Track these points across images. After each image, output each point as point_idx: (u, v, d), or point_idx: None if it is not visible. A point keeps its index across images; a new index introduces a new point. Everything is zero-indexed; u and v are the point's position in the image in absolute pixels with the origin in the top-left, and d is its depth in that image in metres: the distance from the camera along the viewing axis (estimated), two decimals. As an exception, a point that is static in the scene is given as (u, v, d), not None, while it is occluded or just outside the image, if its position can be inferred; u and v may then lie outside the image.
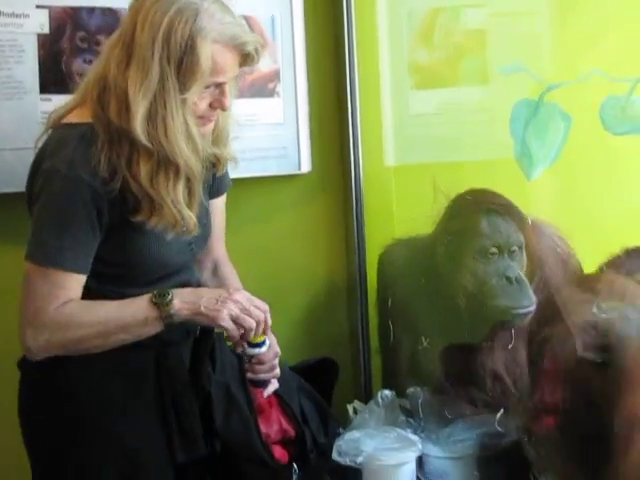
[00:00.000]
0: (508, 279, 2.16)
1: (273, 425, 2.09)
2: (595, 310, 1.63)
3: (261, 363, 2.00)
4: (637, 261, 2.02)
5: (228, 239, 2.23)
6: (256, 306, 1.87)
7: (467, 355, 2.21)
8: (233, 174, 2.17)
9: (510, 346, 2.19)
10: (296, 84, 2.55)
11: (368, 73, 2.60)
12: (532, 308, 2.14)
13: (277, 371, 2.04)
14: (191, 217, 1.86)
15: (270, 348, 1.99)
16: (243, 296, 1.88)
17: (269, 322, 1.90)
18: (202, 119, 1.87)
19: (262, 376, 2.02)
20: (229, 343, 1.99)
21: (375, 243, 2.54)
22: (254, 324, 1.86)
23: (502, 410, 2.05)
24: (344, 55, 2.54)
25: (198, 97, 1.82)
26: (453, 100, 2.61)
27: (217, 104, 1.87)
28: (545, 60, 2.62)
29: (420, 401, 2.21)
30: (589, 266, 2.34)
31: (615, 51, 2.53)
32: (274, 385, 2.06)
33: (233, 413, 2.00)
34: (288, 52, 2.54)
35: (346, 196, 2.63)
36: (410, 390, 2.26)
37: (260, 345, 1.94)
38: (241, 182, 2.37)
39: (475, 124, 2.62)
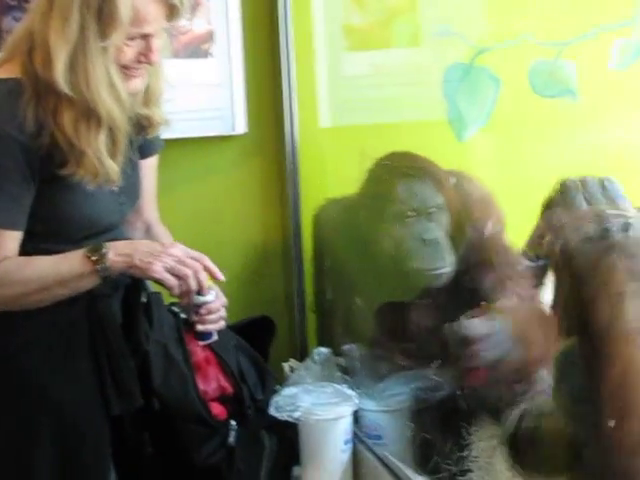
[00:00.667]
0: (424, 241, 2.19)
1: (211, 382, 2.11)
2: None
3: (210, 313, 2.01)
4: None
5: (163, 200, 2.23)
6: (192, 257, 1.89)
7: (401, 312, 2.25)
8: (168, 135, 2.16)
9: (439, 301, 2.24)
10: (230, 45, 2.54)
11: (303, 34, 2.59)
12: (447, 269, 2.18)
13: (223, 322, 2.06)
14: (112, 167, 1.86)
15: (217, 297, 2.01)
16: (179, 249, 1.90)
17: (212, 268, 1.93)
18: (127, 70, 1.86)
19: (211, 327, 2.04)
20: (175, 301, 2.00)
21: (310, 204, 2.55)
22: (190, 272, 1.87)
23: (437, 362, 2.09)
24: (278, 16, 2.54)
25: (122, 46, 1.81)
26: (386, 62, 2.64)
27: (144, 58, 1.86)
28: (476, 24, 2.65)
29: (356, 357, 2.25)
30: (518, 222, 2.40)
31: (543, 16, 2.57)
32: (215, 337, 2.08)
33: (171, 371, 2.01)
34: (222, 13, 2.52)
35: (281, 157, 2.64)
36: (346, 347, 2.30)
37: (206, 292, 1.96)
38: (176, 143, 2.37)
39: (408, 86, 2.65)
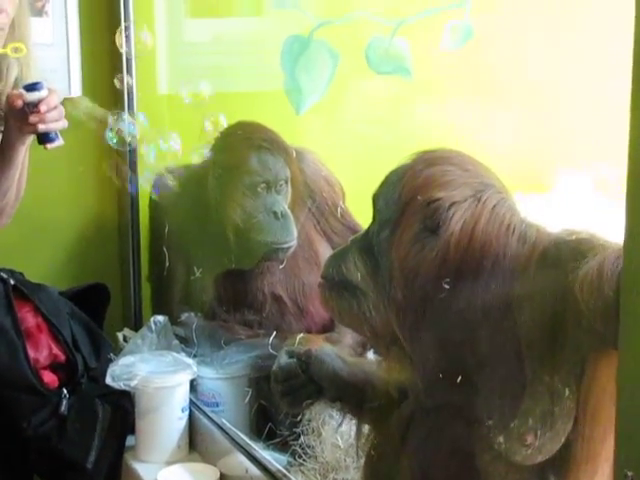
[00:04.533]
0: (275, 214, 2.22)
1: (42, 350, 2.06)
2: None
3: (49, 110, 1.88)
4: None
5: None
6: None
7: (242, 280, 2.27)
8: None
9: (282, 266, 2.27)
10: (66, 3, 2.45)
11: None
12: (293, 242, 2.23)
13: (65, 122, 1.95)
14: None
15: (51, 91, 1.90)
16: None
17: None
18: None
19: (53, 126, 1.91)
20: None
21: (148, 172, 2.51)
22: None
23: (275, 333, 2.13)
24: (118, -22, 2.48)
25: None
26: (228, 30, 2.63)
27: None
28: (317, -2, 2.68)
29: (194, 326, 2.24)
30: (353, 194, 2.47)
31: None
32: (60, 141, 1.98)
33: (-1, 338, 1.96)
34: (58, -31, 2.44)
35: (117, 123, 2.58)
36: (184, 316, 2.29)
37: (36, 87, 1.86)
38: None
39: (249, 55, 2.64)
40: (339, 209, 2.41)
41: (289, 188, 2.28)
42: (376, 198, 1.50)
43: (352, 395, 1.68)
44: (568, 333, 1.31)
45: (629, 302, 0.97)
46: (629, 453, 0.98)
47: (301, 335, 1.93)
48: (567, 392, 1.33)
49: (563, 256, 1.35)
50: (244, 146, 2.28)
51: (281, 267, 2.26)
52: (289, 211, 2.24)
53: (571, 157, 2.97)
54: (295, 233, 2.23)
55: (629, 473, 0.97)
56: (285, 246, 2.22)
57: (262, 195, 2.23)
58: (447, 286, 1.39)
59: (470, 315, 1.38)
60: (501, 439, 1.37)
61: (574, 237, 1.38)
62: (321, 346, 1.73)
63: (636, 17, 0.94)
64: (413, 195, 1.43)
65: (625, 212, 0.97)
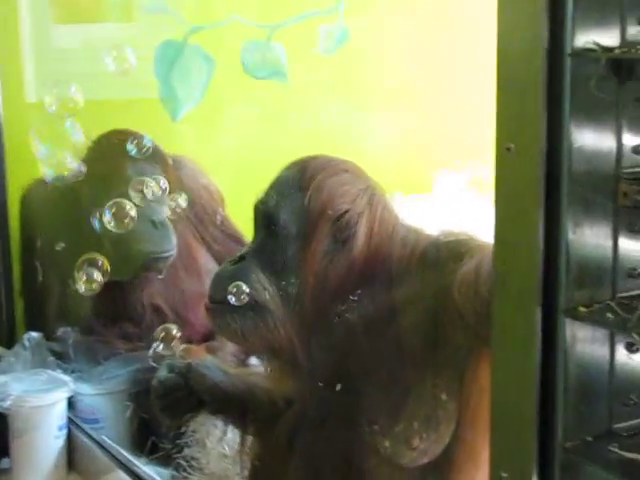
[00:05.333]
0: (153, 223, 2.18)
1: None
2: None
3: None
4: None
5: None
6: None
7: (120, 291, 2.21)
8: None
9: (161, 277, 2.23)
10: None
11: (6, 3, 2.46)
12: (173, 252, 2.19)
13: None
14: None
15: None
16: None
17: None
18: None
19: None
20: None
21: (18, 182, 2.42)
22: None
23: (155, 345, 2.07)
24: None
25: None
26: (97, 36, 2.56)
27: None
28: (189, 2, 2.65)
29: (70, 342, 2.17)
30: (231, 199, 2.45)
31: (254, -1, 2.63)
32: None
33: None
34: None
35: (-15, 133, 2.48)
36: (60, 331, 2.21)
37: None
38: None
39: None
40: (218, 216, 2.38)
41: (166, 197, 2.23)
42: (270, 210, 1.48)
43: (234, 407, 1.67)
44: (448, 335, 1.32)
45: (499, 299, 0.98)
46: (503, 454, 0.99)
47: (182, 347, 1.88)
48: (448, 394, 1.34)
49: (442, 258, 1.36)
50: (119, 155, 2.22)
51: (160, 277, 2.22)
52: (167, 220, 2.20)
53: (448, 157, 3.02)
54: (174, 242, 2.19)
55: (503, 474, 0.97)
56: (164, 255, 2.18)
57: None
58: (354, 297, 1.39)
59: (365, 323, 1.39)
60: (387, 443, 1.37)
61: (452, 238, 1.40)
62: (202, 358, 1.70)
63: (498, 16, 0.96)
64: (322, 209, 1.42)
65: (494, 215, 0.98)
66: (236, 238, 2.44)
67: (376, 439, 1.39)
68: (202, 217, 2.36)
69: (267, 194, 1.51)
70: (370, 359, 1.41)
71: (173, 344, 1.60)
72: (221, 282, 1.49)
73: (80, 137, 2.13)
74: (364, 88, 2.96)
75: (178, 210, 1.93)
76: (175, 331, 1.61)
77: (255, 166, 2.69)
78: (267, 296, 1.44)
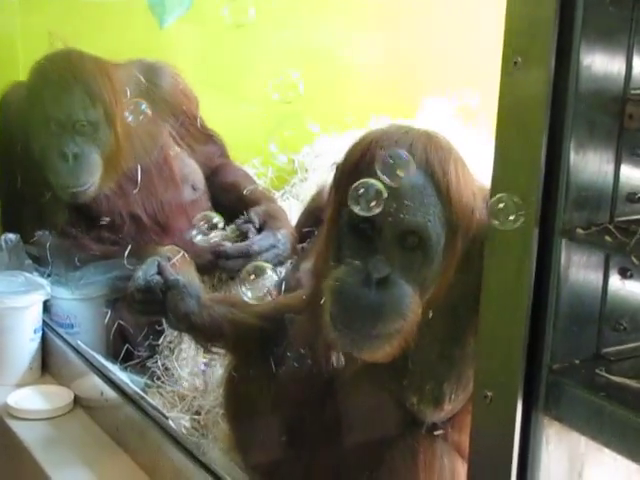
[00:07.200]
0: (64, 156, 2.10)
1: None
2: None
3: None
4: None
5: None
6: None
7: (95, 205, 2.17)
8: None
9: (135, 190, 2.20)
10: None
11: None
12: (87, 187, 2.12)
13: None
14: None
15: None
16: None
17: None
18: None
19: None
20: None
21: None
22: None
23: (129, 247, 2.04)
24: None
25: None
26: None
27: None
28: None
29: (48, 245, 2.14)
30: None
31: None
32: None
33: None
34: None
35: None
36: (38, 234, 2.18)
37: None
38: None
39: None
40: (198, 120, 2.35)
41: (102, 131, 2.13)
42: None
43: (198, 335, 1.65)
44: None
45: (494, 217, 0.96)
46: (489, 373, 0.98)
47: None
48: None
49: None
50: (44, 80, 2.14)
51: (135, 191, 2.18)
52: (87, 153, 2.10)
53: (436, 83, 2.98)
54: (90, 177, 2.11)
55: (488, 393, 0.97)
56: (76, 190, 2.11)
57: (55, 134, 2.11)
58: None
59: None
60: (414, 399, 1.36)
61: None
62: (190, 279, 1.65)
63: None
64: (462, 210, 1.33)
65: (495, 130, 0.96)
66: (214, 138, 2.43)
67: (404, 394, 1.37)
68: (183, 122, 2.32)
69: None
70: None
71: (212, 234, 1.55)
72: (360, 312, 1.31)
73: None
74: (352, 6, 2.90)
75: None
76: (216, 219, 1.54)
77: (236, 77, 2.68)
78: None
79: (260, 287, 1.41)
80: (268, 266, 1.43)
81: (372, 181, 1.23)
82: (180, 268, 1.65)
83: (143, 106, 1.88)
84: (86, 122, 2.11)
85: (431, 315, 1.29)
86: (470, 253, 1.29)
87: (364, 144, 1.35)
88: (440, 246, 1.29)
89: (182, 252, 1.68)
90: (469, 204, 1.30)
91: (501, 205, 0.93)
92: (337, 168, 1.39)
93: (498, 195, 0.94)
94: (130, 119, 1.87)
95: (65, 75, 2.11)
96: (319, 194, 2.19)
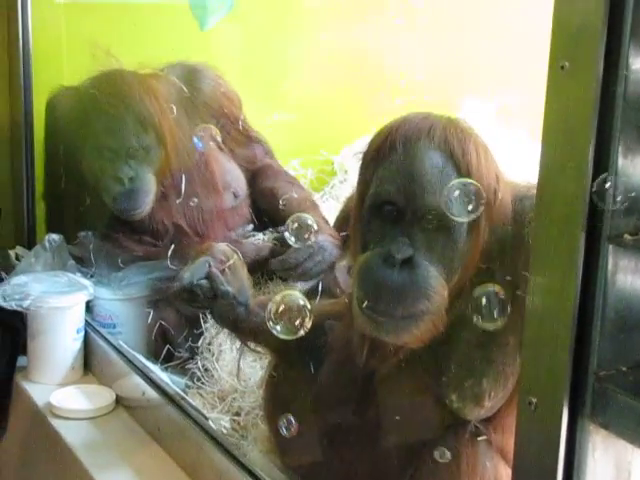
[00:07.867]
0: (120, 181, 2.12)
1: None
2: None
3: None
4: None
5: None
6: None
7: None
8: None
9: (179, 201, 2.20)
10: None
11: None
12: (139, 211, 2.14)
13: None
14: None
15: None
16: None
17: None
18: None
19: None
20: None
21: (43, 88, 2.38)
22: None
23: (173, 247, 2.06)
24: None
25: None
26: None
27: None
28: None
29: (91, 246, 2.16)
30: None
31: None
32: None
33: None
34: None
35: (11, 36, 2.43)
36: (81, 235, 2.19)
37: None
38: None
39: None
40: (240, 122, 2.35)
41: (153, 154, 2.15)
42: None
43: (242, 335, 1.65)
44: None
45: (542, 223, 0.96)
46: (534, 379, 0.97)
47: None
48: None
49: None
50: (93, 107, 2.14)
51: (178, 201, 2.19)
52: (141, 178, 2.13)
53: (477, 85, 2.97)
54: (147, 197, 2.14)
55: (532, 399, 0.96)
56: (131, 214, 2.15)
57: (107, 159, 2.13)
58: None
59: None
60: (454, 397, 1.35)
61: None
62: (239, 287, 1.61)
63: None
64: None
65: (542, 135, 0.95)
66: (257, 139, 2.44)
67: (443, 391, 1.36)
68: (225, 124, 2.32)
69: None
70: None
71: (307, 236, 1.52)
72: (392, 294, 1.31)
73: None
74: (396, 7, 2.89)
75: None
76: (310, 221, 1.52)
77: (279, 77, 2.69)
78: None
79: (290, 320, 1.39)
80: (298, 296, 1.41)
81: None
82: (231, 274, 1.62)
83: (213, 132, 1.91)
84: (139, 147, 2.13)
85: (463, 306, 1.29)
86: (501, 241, 1.30)
87: (385, 131, 1.38)
88: (463, 226, 1.29)
89: (235, 254, 1.65)
90: (491, 185, 1.30)
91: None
92: (361, 156, 1.41)
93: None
94: (200, 147, 1.90)
95: (114, 103, 2.11)
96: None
